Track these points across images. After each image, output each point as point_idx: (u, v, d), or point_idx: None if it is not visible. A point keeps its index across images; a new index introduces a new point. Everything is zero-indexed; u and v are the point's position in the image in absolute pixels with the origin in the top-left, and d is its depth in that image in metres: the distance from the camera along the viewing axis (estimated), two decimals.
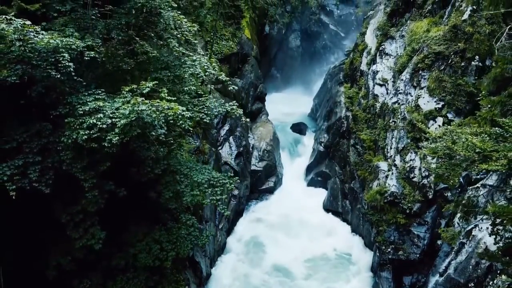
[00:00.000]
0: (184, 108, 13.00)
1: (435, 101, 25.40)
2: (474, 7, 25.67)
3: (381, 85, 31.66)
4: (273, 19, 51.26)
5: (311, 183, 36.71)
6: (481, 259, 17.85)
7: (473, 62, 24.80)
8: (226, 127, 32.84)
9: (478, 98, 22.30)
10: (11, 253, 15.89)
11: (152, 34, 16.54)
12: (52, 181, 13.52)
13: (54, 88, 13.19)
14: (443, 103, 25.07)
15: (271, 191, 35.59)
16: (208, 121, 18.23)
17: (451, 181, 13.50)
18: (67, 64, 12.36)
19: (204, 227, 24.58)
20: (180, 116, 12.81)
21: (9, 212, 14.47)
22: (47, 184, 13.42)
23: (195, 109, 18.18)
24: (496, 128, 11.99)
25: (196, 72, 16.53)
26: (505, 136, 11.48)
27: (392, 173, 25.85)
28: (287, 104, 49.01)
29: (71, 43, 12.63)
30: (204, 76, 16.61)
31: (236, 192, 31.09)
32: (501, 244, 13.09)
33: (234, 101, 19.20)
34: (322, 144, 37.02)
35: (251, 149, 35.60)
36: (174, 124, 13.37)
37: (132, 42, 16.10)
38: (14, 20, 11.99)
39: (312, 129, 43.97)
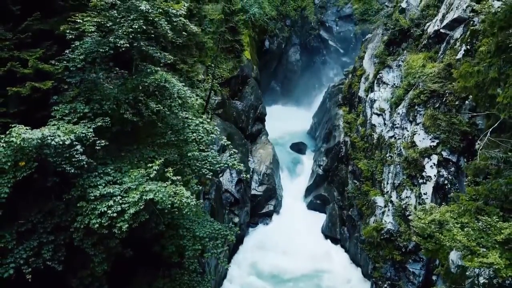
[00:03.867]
0: (189, 194, 13.71)
1: (430, 139, 26.09)
2: (468, 47, 26.44)
3: (378, 115, 32.34)
4: (273, 33, 51.95)
5: (310, 206, 37.42)
6: None
7: (467, 101, 25.33)
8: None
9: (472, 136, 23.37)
10: None
11: (159, 99, 17.24)
12: (64, 258, 14.26)
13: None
14: (438, 141, 25.76)
15: (271, 215, 36.02)
16: (210, 176, 18.96)
17: (440, 256, 14.30)
18: (80, 158, 13.08)
19: (205, 261, 25.34)
20: (185, 204, 13.55)
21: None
22: (60, 261, 14.17)
23: (197, 164, 18.98)
24: (480, 224, 12.80)
25: (199, 137, 17.25)
26: (488, 232, 12.30)
27: (389, 210, 26.60)
28: (287, 119, 49.46)
29: (84, 134, 13.34)
30: (207, 141, 17.32)
31: (236, 219, 31.79)
32: None
33: (235, 155, 19.98)
34: (321, 168, 37.70)
35: (251, 173, 36.01)
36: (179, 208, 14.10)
37: (139, 104, 16.82)
38: (34, 133, 12.65)
39: (311, 149, 44.62)
